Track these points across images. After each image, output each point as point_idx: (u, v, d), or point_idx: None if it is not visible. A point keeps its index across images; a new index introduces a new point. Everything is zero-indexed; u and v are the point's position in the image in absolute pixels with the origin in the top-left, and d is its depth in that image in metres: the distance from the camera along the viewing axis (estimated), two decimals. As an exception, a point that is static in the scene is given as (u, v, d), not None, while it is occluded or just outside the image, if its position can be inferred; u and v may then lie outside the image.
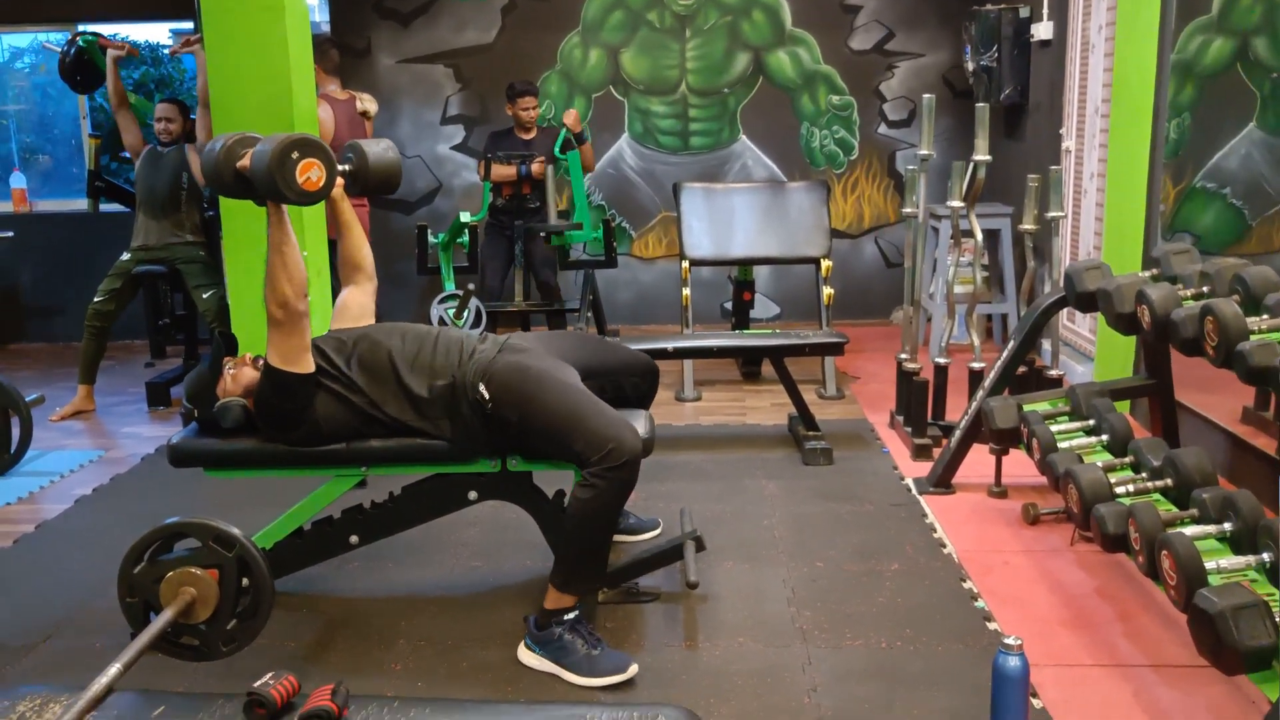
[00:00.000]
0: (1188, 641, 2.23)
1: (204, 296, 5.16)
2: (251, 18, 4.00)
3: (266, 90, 4.03)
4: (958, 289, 5.00)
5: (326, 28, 6.55)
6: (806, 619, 2.87)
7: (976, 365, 4.06)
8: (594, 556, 2.68)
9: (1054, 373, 4.05)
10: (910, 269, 4.43)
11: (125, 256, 5.22)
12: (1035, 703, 2.42)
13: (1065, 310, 4.15)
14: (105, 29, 5.92)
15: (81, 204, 6.21)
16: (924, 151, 4.21)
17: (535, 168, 5.48)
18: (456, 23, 6.61)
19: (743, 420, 4.83)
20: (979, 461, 3.76)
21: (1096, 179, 4.80)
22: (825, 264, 5.29)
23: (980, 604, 2.94)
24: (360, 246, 3.11)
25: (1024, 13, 5.58)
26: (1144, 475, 2.83)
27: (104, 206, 5.90)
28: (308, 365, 2.66)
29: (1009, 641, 2.03)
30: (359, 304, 3.06)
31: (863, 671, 2.59)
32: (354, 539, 2.89)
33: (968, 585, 3.05)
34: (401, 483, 2.91)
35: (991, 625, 2.81)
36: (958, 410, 4.04)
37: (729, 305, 6.09)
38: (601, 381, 2.93)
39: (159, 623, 2.17)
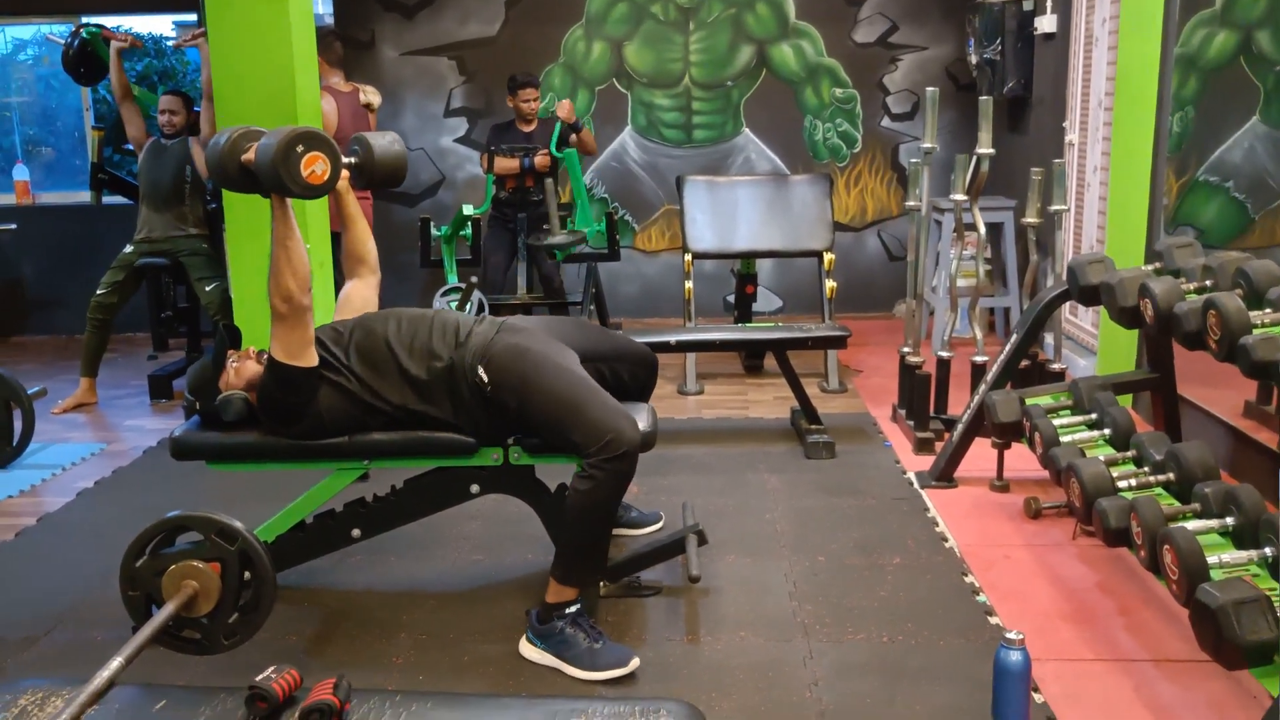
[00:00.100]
0: (1189, 636, 2.23)
1: (207, 289, 5.17)
2: (255, 9, 4.00)
3: (270, 83, 4.03)
4: (960, 282, 4.98)
5: (330, 20, 6.53)
6: (808, 613, 2.87)
7: (979, 359, 4.05)
8: (594, 547, 2.68)
9: (1056, 366, 4.05)
10: (913, 262, 4.43)
11: (128, 249, 5.23)
12: (1036, 697, 2.42)
13: (1068, 304, 4.15)
14: (109, 21, 5.92)
15: (84, 196, 6.21)
16: (927, 145, 4.20)
17: (538, 160, 5.48)
18: (460, 15, 6.60)
19: (745, 414, 4.83)
20: (981, 455, 3.76)
21: (1100, 172, 4.79)
22: (828, 257, 5.28)
23: (982, 598, 2.94)
24: (364, 240, 3.11)
25: (1028, 6, 5.56)
26: (1146, 469, 2.82)
27: (107, 199, 5.90)
28: (311, 359, 2.66)
29: (1010, 636, 2.03)
30: (362, 297, 3.06)
31: (864, 666, 2.60)
32: (356, 532, 2.89)
33: (969, 579, 3.05)
34: (403, 476, 2.92)
35: (993, 619, 2.82)
36: (960, 404, 4.03)
37: (731, 298, 6.08)
38: (600, 367, 2.92)
39: (161, 616, 2.17)
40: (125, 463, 4.32)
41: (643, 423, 2.74)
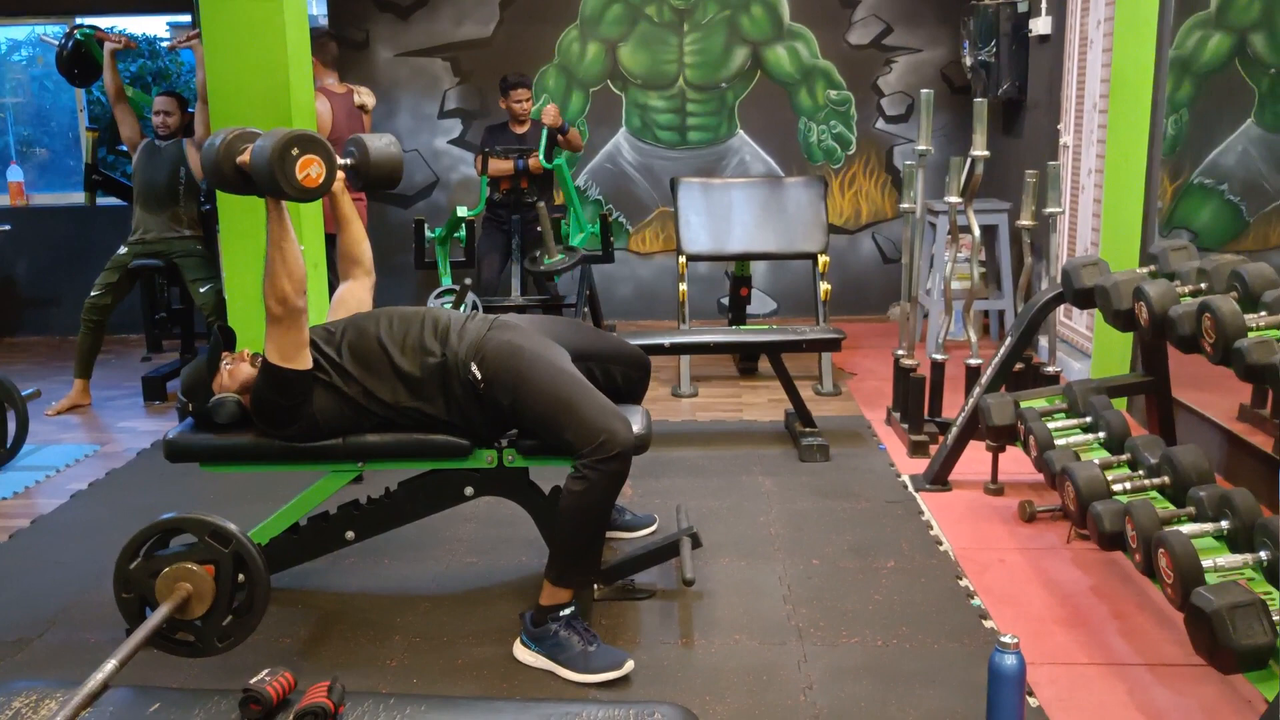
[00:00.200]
0: (1184, 640, 2.24)
1: (201, 291, 5.16)
2: (249, 11, 3.99)
3: (264, 83, 4.02)
4: (955, 285, 4.99)
5: (324, 20, 6.53)
6: (802, 616, 2.87)
7: (974, 362, 4.05)
8: (588, 549, 2.68)
9: (1051, 369, 4.05)
10: (908, 265, 4.43)
11: (122, 250, 5.22)
12: (1031, 701, 2.42)
13: (1062, 307, 4.15)
14: (103, 22, 5.91)
15: (78, 197, 6.20)
16: (922, 147, 4.21)
17: (532, 162, 5.47)
18: (455, 16, 6.60)
19: (739, 416, 4.83)
20: (975, 459, 3.76)
21: (1094, 175, 4.80)
22: (822, 260, 5.28)
23: (976, 602, 2.94)
24: (359, 241, 3.11)
25: (1022, 8, 5.57)
26: (1141, 473, 2.83)
27: (101, 200, 5.88)
28: (306, 361, 2.65)
29: (1005, 640, 2.03)
30: (356, 298, 3.06)
31: (858, 669, 2.60)
32: (350, 535, 2.89)
33: (964, 583, 3.06)
34: (398, 478, 2.91)
35: (987, 623, 2.82)
36: (954, 407, 4.04)
37: (726, 301, 6.09)
38: (592, 367, 2.92)
39: (155, 618, 2.16)
40: (119, 464, 4.31)
41: (637, 425, 2.74)
